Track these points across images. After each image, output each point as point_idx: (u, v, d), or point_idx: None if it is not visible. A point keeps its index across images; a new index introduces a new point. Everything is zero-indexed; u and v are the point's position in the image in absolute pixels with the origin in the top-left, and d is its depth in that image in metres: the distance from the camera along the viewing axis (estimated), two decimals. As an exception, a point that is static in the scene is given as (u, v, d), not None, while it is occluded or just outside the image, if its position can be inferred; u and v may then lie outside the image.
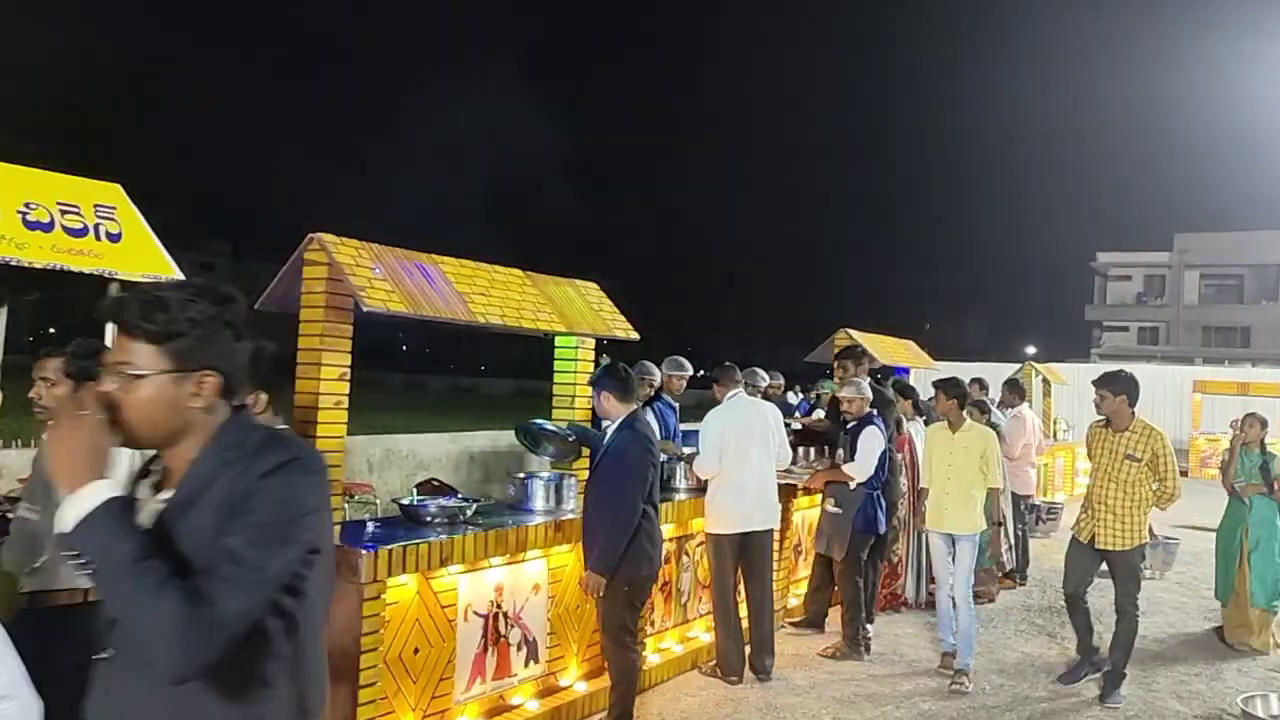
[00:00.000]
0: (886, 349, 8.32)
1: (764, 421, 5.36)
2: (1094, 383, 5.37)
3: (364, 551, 3.48)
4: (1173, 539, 9.21)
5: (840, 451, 6.10)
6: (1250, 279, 48.94)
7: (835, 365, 6.60)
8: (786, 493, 6.06)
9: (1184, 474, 19.17)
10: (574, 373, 4.90)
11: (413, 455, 10.95)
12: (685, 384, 6.62)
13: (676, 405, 6.54)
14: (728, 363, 5.58)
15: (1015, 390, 8.48)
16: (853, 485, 5.78)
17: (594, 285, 5.16)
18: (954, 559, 5.62)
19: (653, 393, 6.12)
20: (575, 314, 4.73)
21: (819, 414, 8.11)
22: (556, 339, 4.99)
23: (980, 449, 5.65)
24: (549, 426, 4.78)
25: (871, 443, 5.81)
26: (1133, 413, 5.21)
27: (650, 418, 6.45)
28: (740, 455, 5.18)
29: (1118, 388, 5.23)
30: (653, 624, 5.27)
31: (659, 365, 6.37)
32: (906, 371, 9.08)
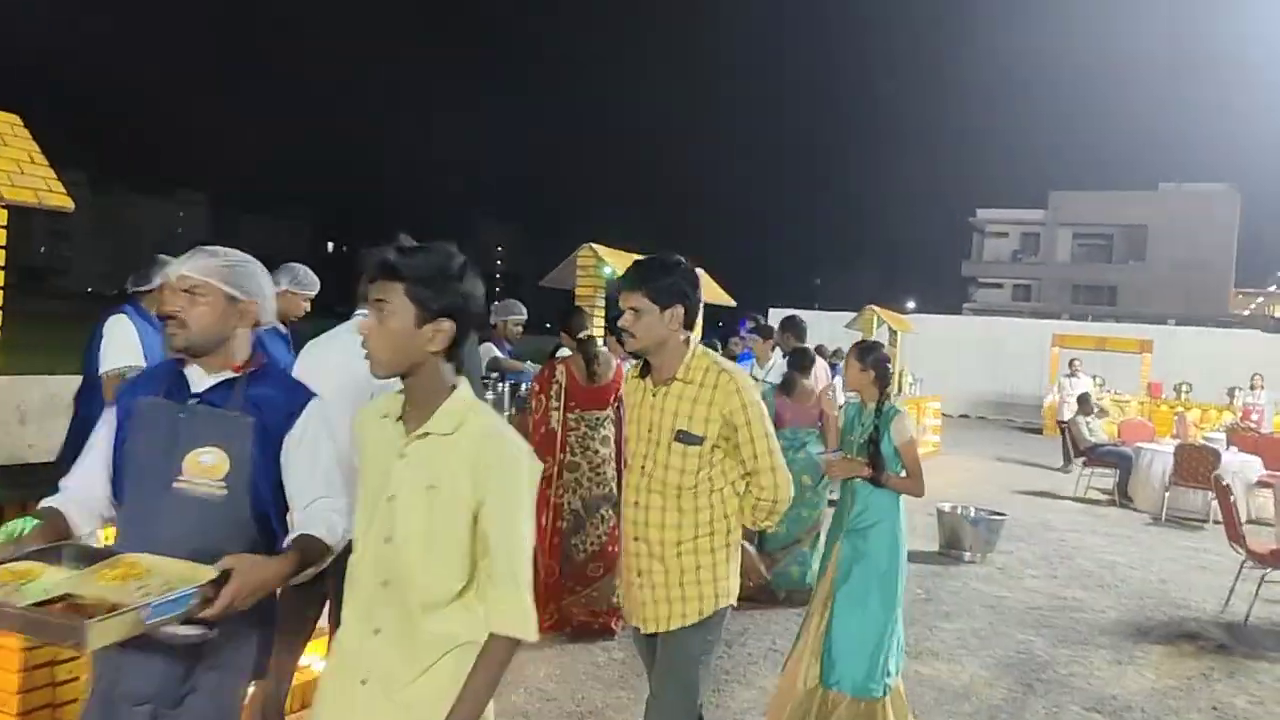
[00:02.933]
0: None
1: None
2: (617, 283, 3.04)
3: None
4: (999, 514, 7.69)
5: None
6: (1120, 239, 49.58)
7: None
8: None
9: (1038, 433, 18.34)
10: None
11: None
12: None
13: (286, 333, 4.49)
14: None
15: (792, 329, 6.54)
16: None
17: (12, 117, 3.05)
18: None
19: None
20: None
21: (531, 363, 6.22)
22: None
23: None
24: None
25: None
26: (686, 340, 2.58)
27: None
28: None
29: (651, 286, 2.53)
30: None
31: None
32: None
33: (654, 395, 2.57)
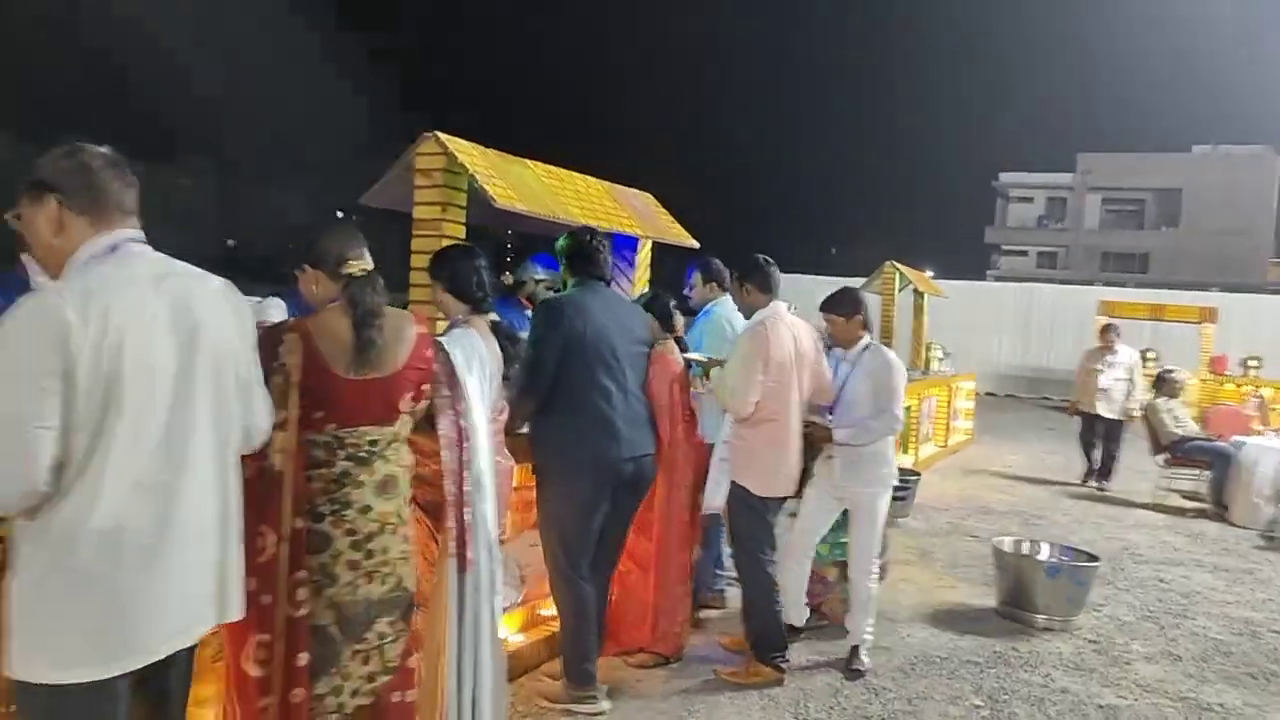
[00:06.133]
0: (536, 191, 4.02)
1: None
2: None
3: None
4: (1088, 557, 5.26)
5: None
6: (1152, 203, 46.79)
7: None
8: None
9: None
10: None
11: None
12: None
13: None
14: None
15: (756, 279, 3.94)
16: None
17: None
18: None
19: None
20: None
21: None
22: None
23: None
24: None
25: None
26: None
27: None
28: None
29: None
30: None
31: None
32: (633, 246, 4.88)
33: None
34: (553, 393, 3.47)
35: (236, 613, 2.10)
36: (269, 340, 2.31)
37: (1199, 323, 16.48)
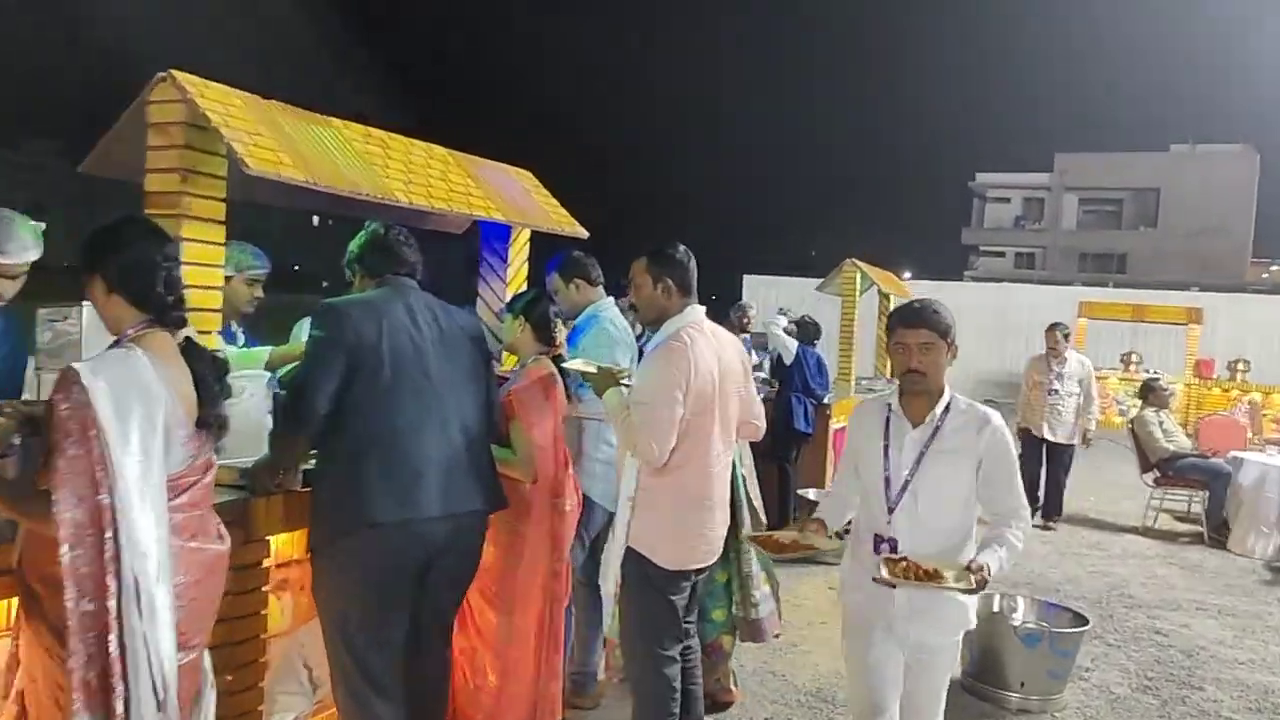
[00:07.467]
0: (335, 158, 2.97)
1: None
2: None
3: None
4: (1074, 617, 4.30)
5: None
6: (1130, 203, 46.25)
7: None
8: None
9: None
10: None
11: None
12: None
13: None
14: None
15: (679, 274, 2.78)
16: None
17: None
18: None
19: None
20: None
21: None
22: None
23: None
24: None
25: None
26: None
27: None
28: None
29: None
30: None
31: None
32: (505, 238, 3.89)
33: None
34: (332, 428, 2.47)
35: None
36: None
37: (1185, 324, 15.66)
